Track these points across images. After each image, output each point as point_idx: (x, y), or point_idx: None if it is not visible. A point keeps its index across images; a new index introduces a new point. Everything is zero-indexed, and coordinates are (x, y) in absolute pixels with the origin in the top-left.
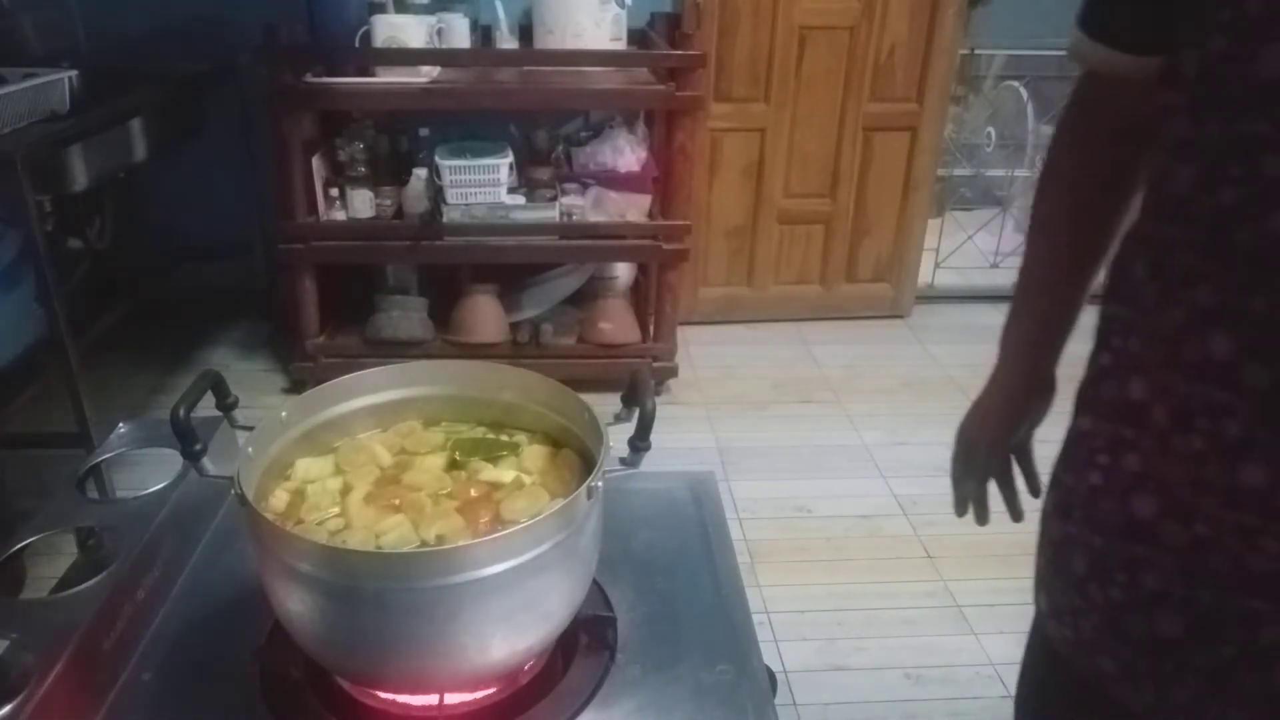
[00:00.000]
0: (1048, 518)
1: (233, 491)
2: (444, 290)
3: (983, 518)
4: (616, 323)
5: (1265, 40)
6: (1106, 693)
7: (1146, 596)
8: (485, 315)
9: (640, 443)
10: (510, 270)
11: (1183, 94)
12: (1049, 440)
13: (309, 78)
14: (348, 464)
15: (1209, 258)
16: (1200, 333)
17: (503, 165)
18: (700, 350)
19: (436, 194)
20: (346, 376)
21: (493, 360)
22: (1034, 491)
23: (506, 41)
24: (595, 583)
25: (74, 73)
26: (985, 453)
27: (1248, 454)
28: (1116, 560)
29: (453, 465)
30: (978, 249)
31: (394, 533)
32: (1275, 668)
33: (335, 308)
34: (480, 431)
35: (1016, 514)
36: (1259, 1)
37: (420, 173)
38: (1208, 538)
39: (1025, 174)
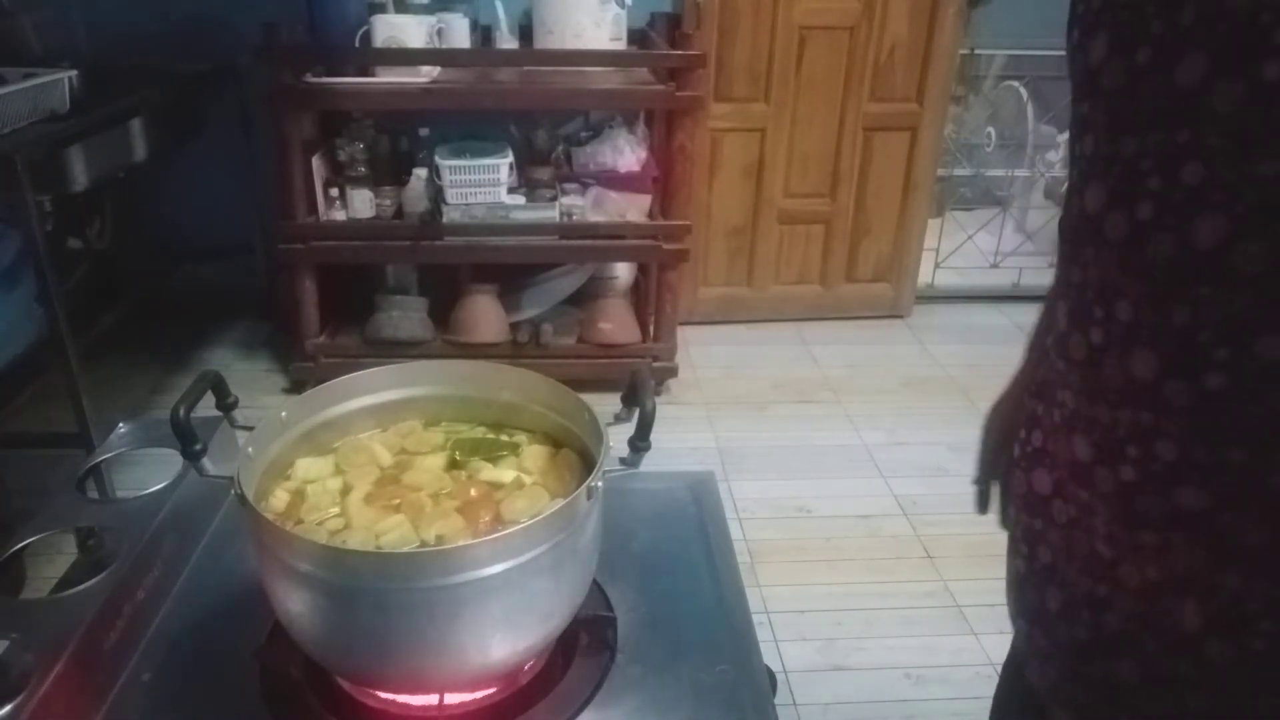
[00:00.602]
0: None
1: (233, 491)
2: (444, 290)
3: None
4: (616, 323)
5: (1094, 31)
6: (1024, 674)
7: (1040, 570)
8: (485, 315)
9: (640, 443)
10: (510, 270)
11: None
12: None
13: (309, 78)
14: (348, 464)
15: (1060, 234)
16: (1054, 307)
17: (503, 165)
18: (700, 350)
19: (436, 194)
20: (346, 376)
21: (493, 360)
22: None
23: (506, 41)
24: (595, 583)
25: (74, 73)
26: (993, 449)
27: (1075, 426)
28: (1021, 532)
29: (453, 465)
30: (978, 249)
31: (394, 533)
32: (1120, 659)
33: (335, 308)
34: (480, 431)
35: None
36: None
37: (420, 173)
38: (1075, 517)
39: (1025, 174)
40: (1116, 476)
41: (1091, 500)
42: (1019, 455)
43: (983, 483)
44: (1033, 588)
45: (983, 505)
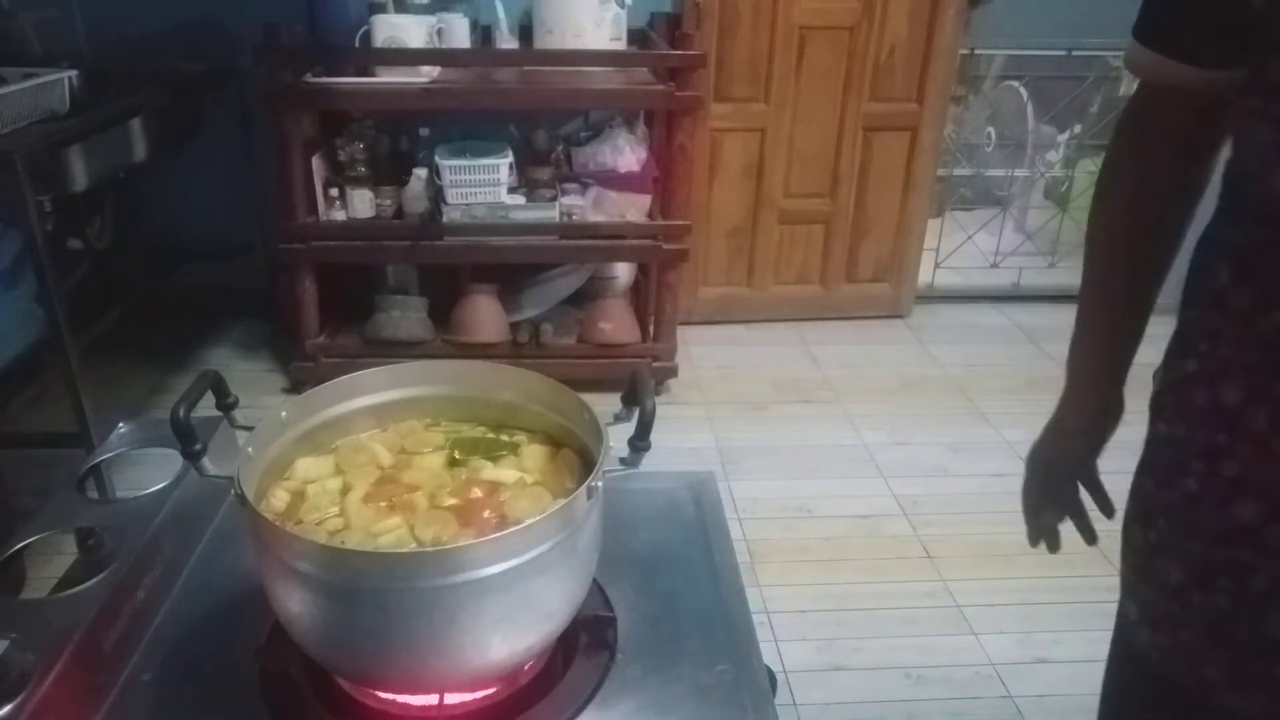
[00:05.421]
0: (1129, 526)
1: (233, 491)
2: (444, 290)
3: (1055, 546)
4: (616, 323)
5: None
6: (1210, 700)
7: (1254, 601)
8: (485, 315)
9: (640, 443)
10: (510, 270)
11: (1272, 100)
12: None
13: (309, 78)
14: (348, 464)
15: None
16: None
17: (503, 165)
18: (700, 350)
19: (436, 194)
20: (346, 376)
21: (493, 360)
22: (1108, 513)
23: (506, 41)
24: (595, 583)
25: (74, 73)
26: (1069, 480)
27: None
28: (1219, 566)
29: (453, 464)
30: (978, 249)
31: (391, 534)
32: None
33: (335, 308)
34: (480, 431)
35: (1092, 537)
36: None
37: (420, 173)
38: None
39: (1025, 174)
40: None
41: None
42: (1199, 489)
43: (1053, 519)
44: (1246, 620)
45: (1038, 539)
